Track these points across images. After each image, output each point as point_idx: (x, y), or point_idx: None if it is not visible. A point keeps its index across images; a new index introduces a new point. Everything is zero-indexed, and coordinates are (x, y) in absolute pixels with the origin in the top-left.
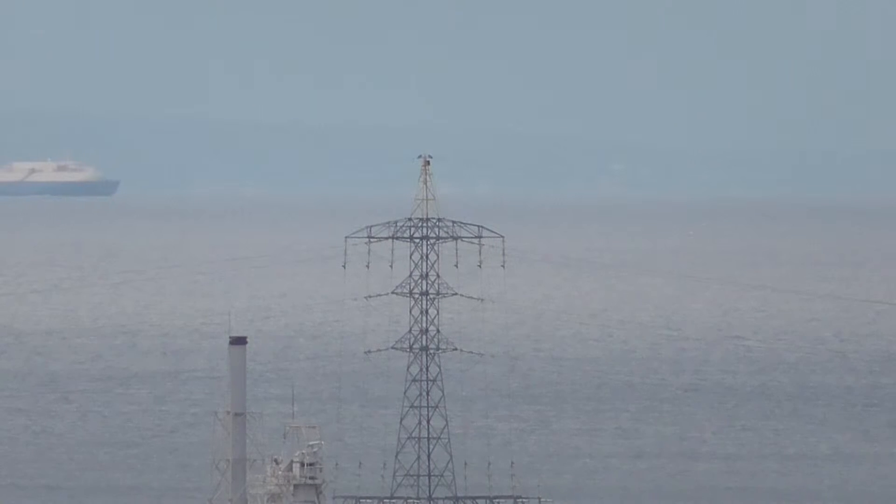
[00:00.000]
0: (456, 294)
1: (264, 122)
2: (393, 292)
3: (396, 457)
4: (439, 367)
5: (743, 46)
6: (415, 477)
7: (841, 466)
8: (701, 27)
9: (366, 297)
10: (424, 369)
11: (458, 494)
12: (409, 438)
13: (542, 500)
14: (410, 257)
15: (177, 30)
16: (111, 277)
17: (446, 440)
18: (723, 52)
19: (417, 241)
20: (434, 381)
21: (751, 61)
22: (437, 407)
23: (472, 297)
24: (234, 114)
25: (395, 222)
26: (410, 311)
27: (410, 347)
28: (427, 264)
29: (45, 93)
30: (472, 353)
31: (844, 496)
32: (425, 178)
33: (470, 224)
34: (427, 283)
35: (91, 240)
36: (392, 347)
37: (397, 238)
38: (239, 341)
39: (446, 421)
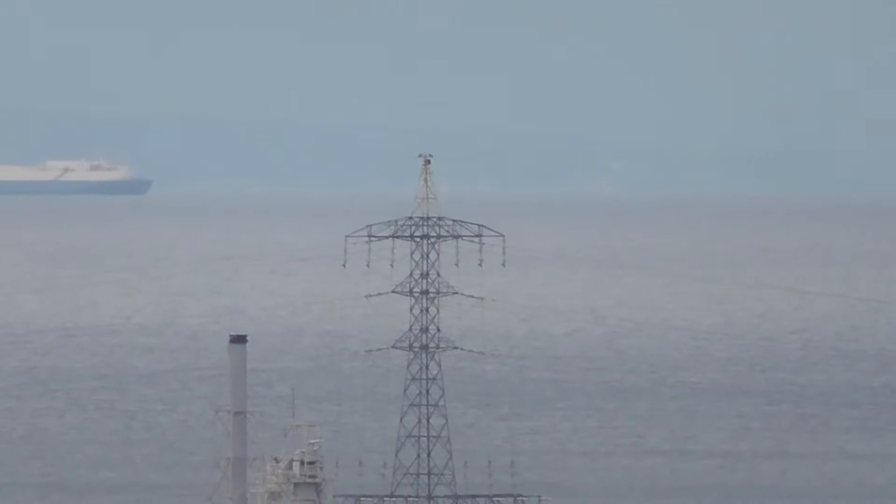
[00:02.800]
0: (456, 293)
1: (278, 122)
2: (393, 291)
3: (396, 455)
4: (439, 365)
5: (743, 44)
6: (415, 475)
7: (840, 464)
8: (699, 25)
9: (366, 296)
10: (424, 368)
11: (458, 493)
12: (408, 437)
13: (542, 498)
14: (411, 256)
15: (202, 31)
16: (112, 276)
17: (446, 439)
18: (722, 51)
19: (418, 239)
20: (434, 379)
21: (750, 60)
22: (436, 405)
23: (472, 296)
24: (255, 114)
25: (396, 221)
26: (411, 310)
27: (410, 346)
28: (427, 263)
29: (77, 92)
30: (472, 351)
31: (842, 494)
32: (426, 177)
33: (470, 223)
34: (427, 282)
35: (107, 238)
36: (392, 346)
37: (398, 237)
38: (239, 340)
39: (446, 419)
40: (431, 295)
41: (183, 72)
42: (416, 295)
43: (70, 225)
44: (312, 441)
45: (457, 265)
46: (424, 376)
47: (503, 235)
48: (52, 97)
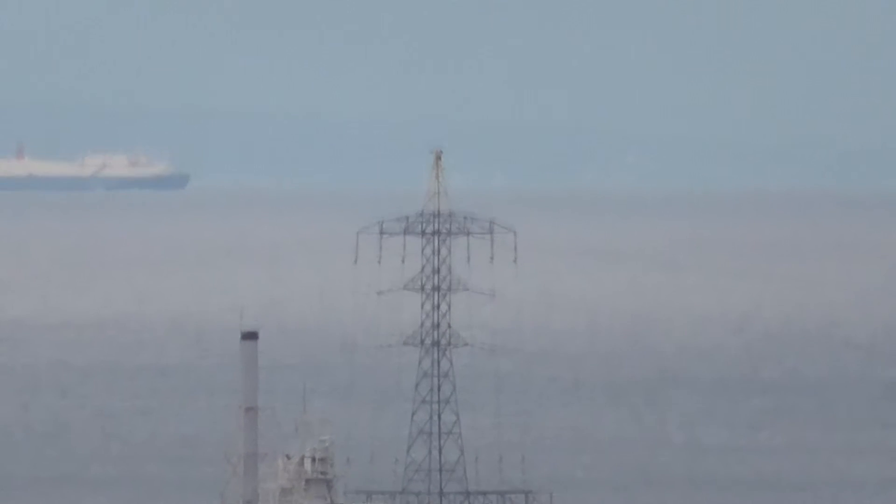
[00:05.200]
0: (468, 289)
1: (308, 117)
2: (405, 287)
3: (408, 452)
4: (451, 362)
5: (756, 36)
6: (426, 472)
7: (846, 459)
8: (714, 16)
9: (377, 292)
10: (436, 364)
11: (470, 489)
12: (420, 433)
13: (553, 494)
14: (422, 252)
15: (237, 27)
16: (121, 271)
17: (457, 435)
18: (737, 42)
19: (429, 235)
20: (445, 376)
21: (766, 52)
22: (448, 402)
23: (483, 293)
24: (284, 108)
25: (407, 217)
26: (422, 306)
27: (422, 342)
28: (439, 259)
29: (116, 88)
30: (483, 347)
31: (848, 487)
32: (437, 172)
33: (482, 219)
34: (439, 278)
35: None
36: (404, 342)
37: (409, 233)
38: (251, 336)
39: (457, 416)
40: (443, 291)
41: (220, 67)
42: (428, 291)
43: (96, 220)
44: (324, 437)
45: (468, 261)
46: (436, 373)
47: (515, 231)
48: (89, 92)
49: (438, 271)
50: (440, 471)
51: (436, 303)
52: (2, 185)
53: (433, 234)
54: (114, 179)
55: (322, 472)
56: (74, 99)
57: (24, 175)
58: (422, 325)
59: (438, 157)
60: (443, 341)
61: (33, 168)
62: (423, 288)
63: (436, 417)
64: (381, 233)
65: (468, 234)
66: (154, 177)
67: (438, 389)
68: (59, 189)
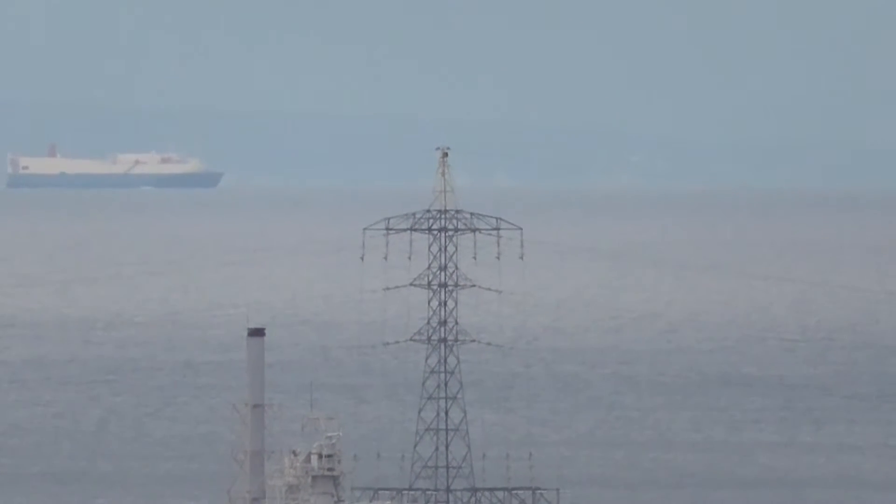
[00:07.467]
0: (474, 286)
1: (343, 116)
2: (411, 284)
3: (415, 448)
4: (457, 358)
5: (759, 37)
6: (433, 468)
7: (843, 456)
8: (717, 17)
9: (384, 289)
10: (443, 361)
11: (476, 486)
12: (427, 430)
13: (559, 490)
14: (429, 249)
15: (268, 26)
16: (134, 270)
17: (464, 431)
18: (738, 42)
19: (436, 232)
20: (452, 372)
21: (767, 52)
22: (455, 398)
23: (490, 289)
24: (311, 106)
25: (414, 214)
26: (429, 303)
27: (429, 339)
28: (445, 256)
29: (149, 85)
30: (490, 344)
31: (844, 485)
32: (443, 170)
33: (488, 216)
34: (445, 275)
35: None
36: (410, 339)
37: (416, 230)
38: (257, 332)
39: (464, 412)
40: (449, 288)
41: (252, 65)
42: (435, 288)
43: (103, 216)
44: (330, 434)
45: (475, 258)
46: (443, 369)
47: (521, 228)
48: (122, 91)
49: (445, 268)
50: (447, 467)
51: (443, 299)
52: (35, 182)
53: (440, 230)
54: (147, 177)
55: (329, 469)
56: (107, 97)
57: (56, 173)
58: (428, 321)
59: (444, 155)
60: (450, 338)
61: (65, 166)
62: (429, 284)
63: (442, 414)
64: (388, 230)
65: (475, 231)
66: (187, 174)
67: (446, 386)
68: (91, 186)
